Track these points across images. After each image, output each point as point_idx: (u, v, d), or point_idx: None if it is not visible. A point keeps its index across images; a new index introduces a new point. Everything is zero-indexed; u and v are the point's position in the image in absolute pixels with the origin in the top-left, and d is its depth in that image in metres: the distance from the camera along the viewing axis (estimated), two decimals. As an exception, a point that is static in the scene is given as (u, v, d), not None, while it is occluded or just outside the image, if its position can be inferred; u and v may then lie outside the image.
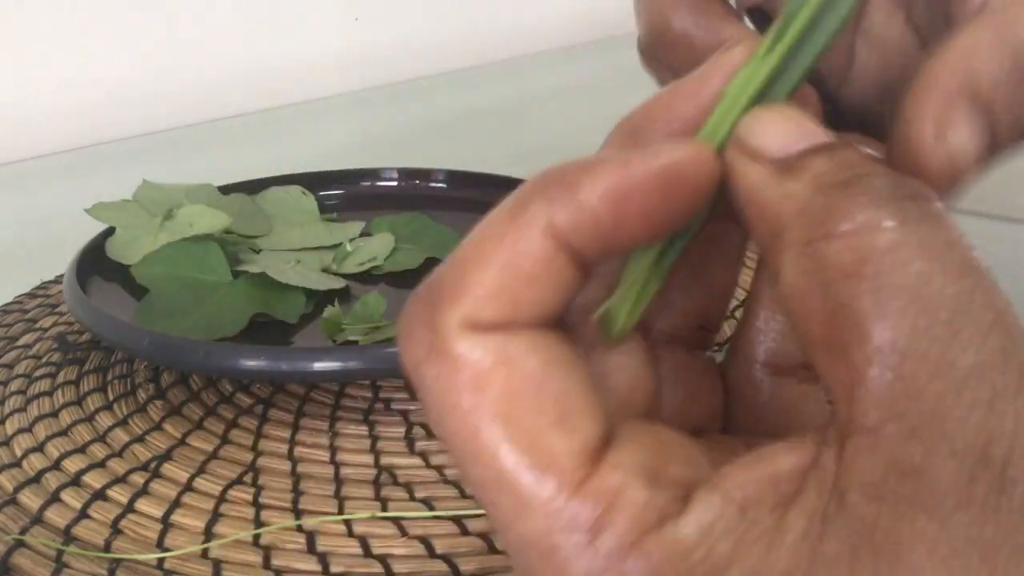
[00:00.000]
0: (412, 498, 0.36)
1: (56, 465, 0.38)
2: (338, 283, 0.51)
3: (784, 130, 0.16)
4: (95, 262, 0.50)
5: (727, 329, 0.40)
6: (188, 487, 0.37)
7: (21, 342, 0.48)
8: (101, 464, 0.38)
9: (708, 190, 0.17)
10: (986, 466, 0.14)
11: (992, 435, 0.14)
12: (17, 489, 0.37)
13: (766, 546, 0.15)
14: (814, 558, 0.14)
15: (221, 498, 0.36)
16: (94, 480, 0.37)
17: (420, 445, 0.40)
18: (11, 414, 0.42)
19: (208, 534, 0.34)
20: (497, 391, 0.15)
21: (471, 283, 0.16)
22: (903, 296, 0.14)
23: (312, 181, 0.62)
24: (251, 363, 0.39)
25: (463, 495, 0.36)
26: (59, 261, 0.51)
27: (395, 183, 0.64)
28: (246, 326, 0.46)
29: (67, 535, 0.34)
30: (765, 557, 0.14)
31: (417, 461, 0.39)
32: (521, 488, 0.15)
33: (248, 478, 0.38)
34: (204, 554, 0.33)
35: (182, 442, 0.40)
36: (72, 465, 0.38)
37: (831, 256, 0.15)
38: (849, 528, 0.14)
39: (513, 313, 0.16)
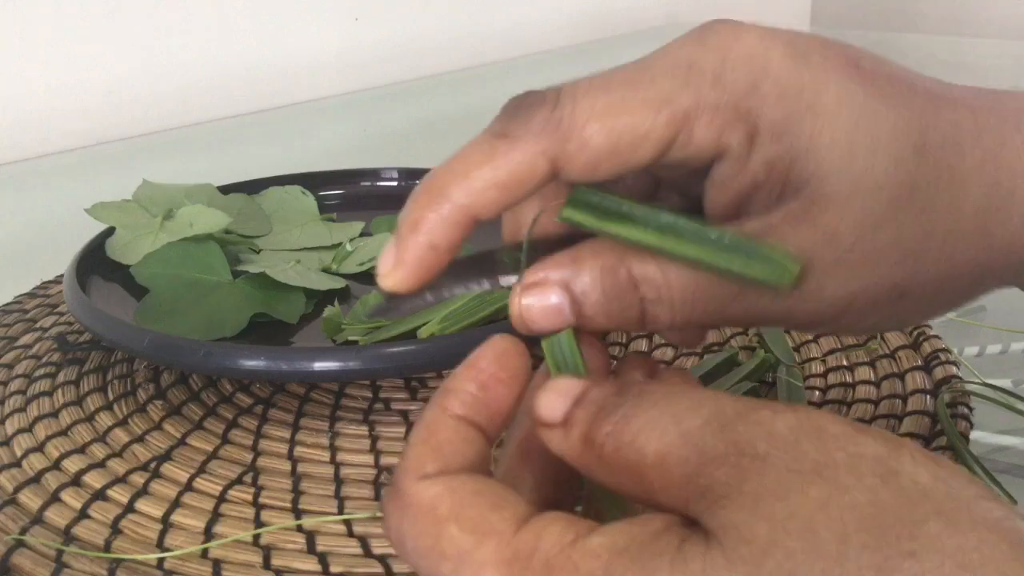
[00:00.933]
0: (412, 498, 0.36)
1: (56, 465, 0.38)
2: (338, 283, 0.51)
3: (549, 403, 0.23)
4: (95, 262, 0.50)
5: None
6: (188, 487, 0.37)
7: (21, 342, 0.48)
8: (101, 464, 0.38)
9: None
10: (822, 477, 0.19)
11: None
12: (17, 489, 0.37)
13: (669, 561, 0.19)
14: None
15: (221, 498, 0.36)
16: (94, 480, 0.37)
17: (420, 445, 0.40)
18: (11, 414, 0.42)
19: (208, 534, 0.34)
20: (448, 505, 0.22)
21: (412, 456, 0.23)
22: (669, 434, 0.21)
23: (312, 181, 0.62)
24: (251, 363, 0.39)
25: (463, 495, 0.36)
26: (59, 261, 0.51)
27: (395, 183, 0.64)
28: (246, 326, 0.46)
29: (67, 535, 0.34)
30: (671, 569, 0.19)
31: (417, 461, 0.38)
32: (475, 551, 0.21)
33: (248, 478, 0.38)
34: (204, 554, 0.33)
35: (182, 442, 0.40)
36: (72, 465, 0.38)
37: (607, 454, 0.22)
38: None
39: (444, 463, 0.23)
